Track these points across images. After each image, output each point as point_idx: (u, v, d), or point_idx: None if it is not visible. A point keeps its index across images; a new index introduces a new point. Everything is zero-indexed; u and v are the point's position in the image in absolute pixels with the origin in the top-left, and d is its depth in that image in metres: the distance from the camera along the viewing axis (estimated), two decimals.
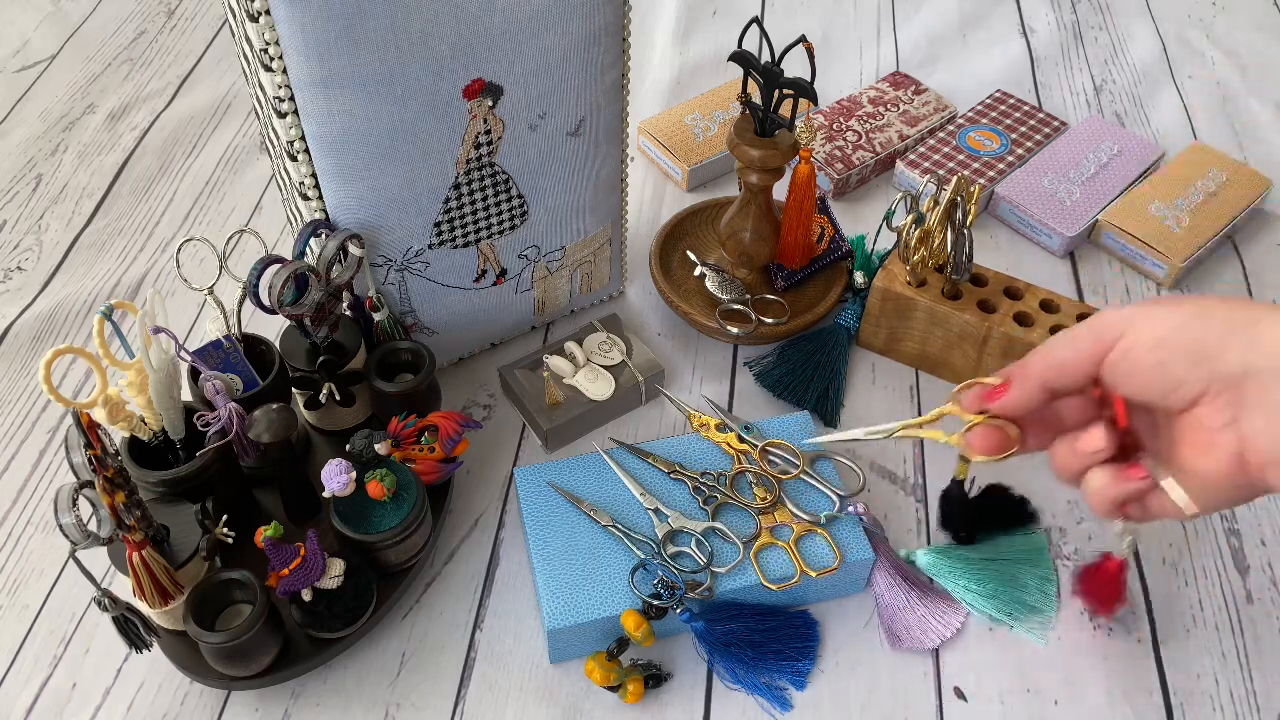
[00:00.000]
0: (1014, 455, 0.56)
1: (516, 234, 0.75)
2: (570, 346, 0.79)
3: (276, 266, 0.65)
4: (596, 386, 0.77)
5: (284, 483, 0.67)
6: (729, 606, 0.65)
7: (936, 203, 0.74)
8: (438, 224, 0.71)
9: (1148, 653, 0.66)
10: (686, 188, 0.98)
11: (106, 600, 0.57)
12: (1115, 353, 0.49)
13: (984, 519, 0.69)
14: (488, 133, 0.67)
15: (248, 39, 0.64)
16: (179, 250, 0.69)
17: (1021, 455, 0.57)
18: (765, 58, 0.72)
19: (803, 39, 0.69)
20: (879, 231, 0.82)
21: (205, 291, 0.69)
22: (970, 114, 1.01)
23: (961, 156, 0.97)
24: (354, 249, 0.67)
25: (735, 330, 0.80)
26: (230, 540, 0.62)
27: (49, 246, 0.94)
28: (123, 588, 0.62)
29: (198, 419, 0.63)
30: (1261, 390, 0.45)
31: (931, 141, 0.98)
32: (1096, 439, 0.53)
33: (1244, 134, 1.04)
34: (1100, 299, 0.88)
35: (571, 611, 0.63)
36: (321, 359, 0.69)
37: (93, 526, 0.55)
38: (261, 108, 0.69)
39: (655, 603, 0.63)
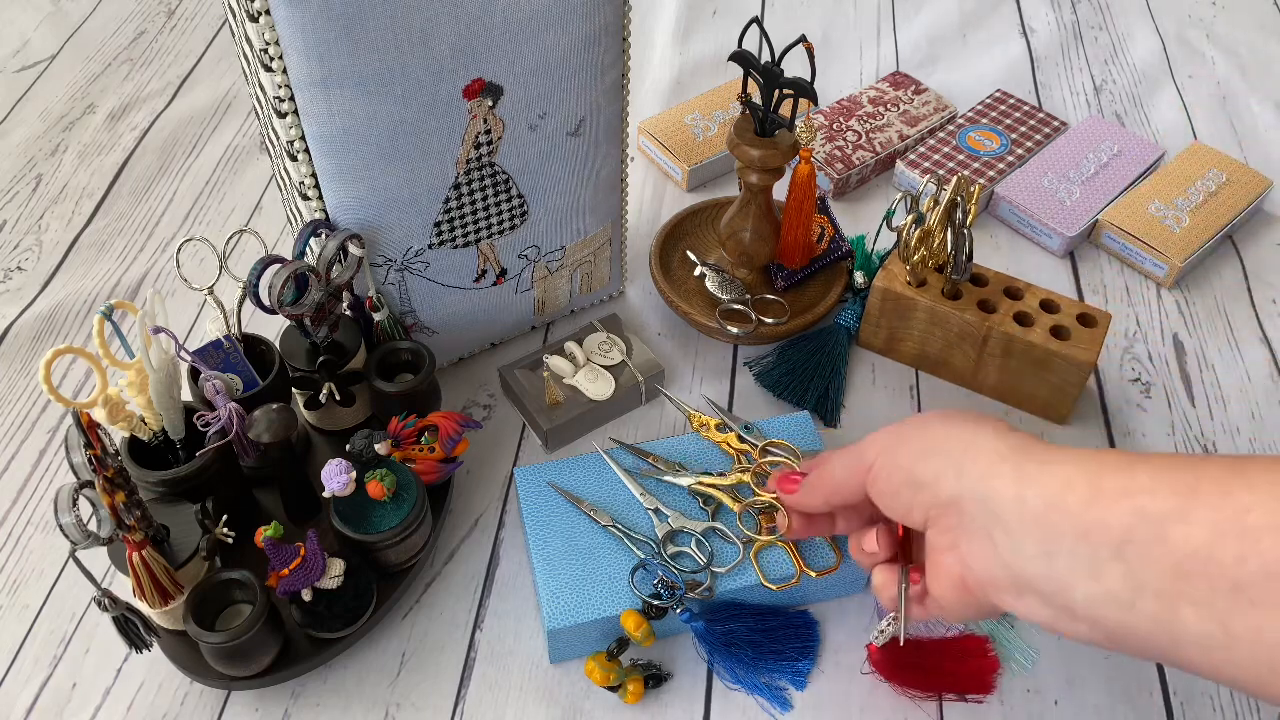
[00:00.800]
0: (819, 535, 0.64)
1: (516, 234, 0.75)
2: (570, 346, 0.79)
3: (276, 266, 0.65)
4: (596, 386, 0.77)
5: (284, 483, 0.67)
6: (729, 606, 0.65)
7: (936, 203, 0.74)
8: (438, 224, 0.71)
9: None
10: (686, 188, 0.98)
11: (106, 600, 0.57)
12: (869, 476, 0.53)
13: None
14: (488, 133, 0.67)
15: (248, 39, 0.64)
16: (179, 250, 0.69)
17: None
18: (765, 58, 0.72)
19: (803, 39, 0.69)
20: (879, 231, 0.82)
21: (205, 291, 0.69)
22: (970, 114, 1.01)
23: (961, 156, 0.97)
24: (354, 249, 0.67)
25: (735, 330, 0.80)
26: (230, 540, 0.62)
27: (49, 246, 0.94)
28: (123, 588, 0.62)
29: (198, 419, 0.63)
30: (968, 518, 0.48)
31: (931, 141, 0.98)
32: (870, 543, 0.57)
33: (1244, 134, 1.04)
34: (1100, 299, 0.88)
35: (571, 611, 0.63)
36: (321, 359, 0.69)
37: (93, 526, 0.55)
38: (261, 108, 0.69)
39: (655, 603, 0.63)
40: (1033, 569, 0.45)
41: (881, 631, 0.60)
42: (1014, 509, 0.46)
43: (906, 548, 0.57)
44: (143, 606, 0.60)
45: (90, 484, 0.55)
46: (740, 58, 0.73)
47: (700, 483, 0.69)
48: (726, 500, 0.68)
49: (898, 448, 0.52)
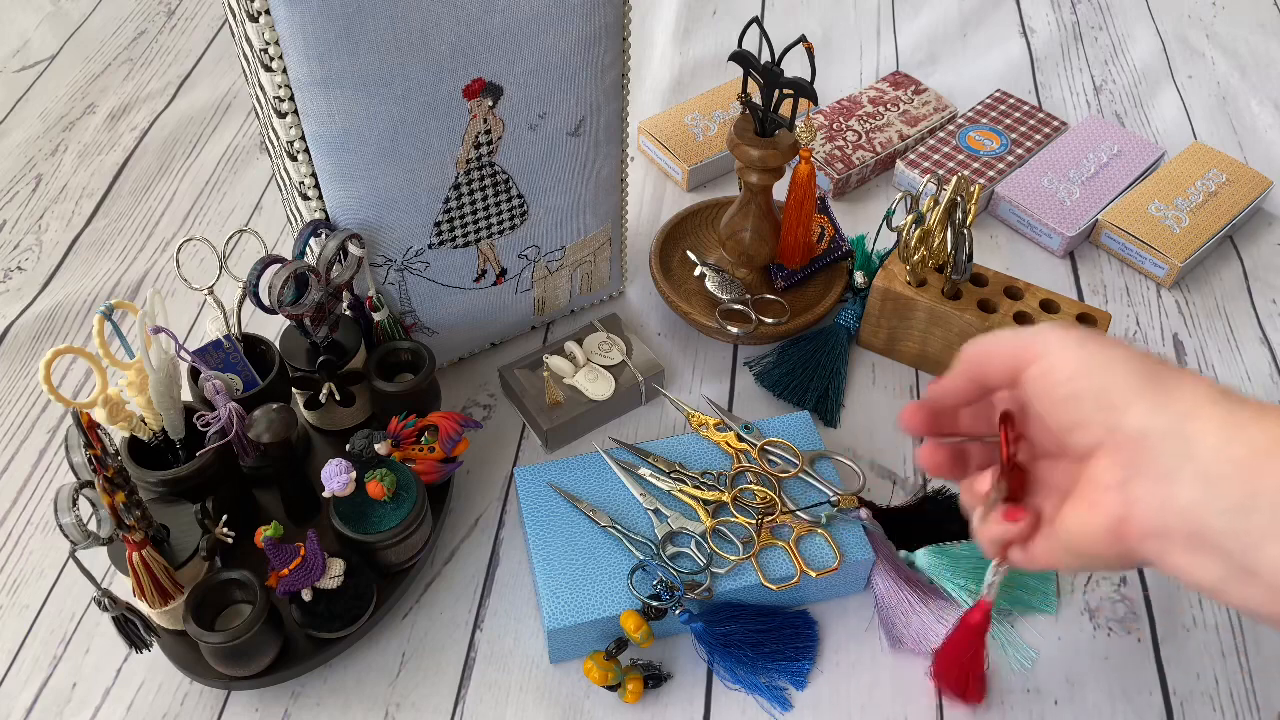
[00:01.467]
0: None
1: (516, 234, 0.75)
2: (570, 346, 0.79)
3: (276, 266, 0.65)
4: (596, 386, 0.77)
5: (284, 483, 0.67)
6: (729, 607, 0.65)
7: (936, 203, 0.74)
8: (438, 224, 0.71)
9: (1148, 653, 0.66)
10: (686, 188, 0.98)
11: (106, 600, 0.57)
12: (1034, 369, 0.48)
13: (916, 532, 0.69)
14: (488, 132, 0.67)
15: (248, 39, 0.64)
16: (179, 250, 0.69)
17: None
18: (765, 58, 0.72)
19: (803, 39, 0.69)
20: (879, 231, 0.82)
21: (205, 291, 0.69)
22: (970, 114, 1.01)
23: (961, 156, 0.97)
24: (354, 249, 0.67)
25: (735, 330, 0.80)
26: (230, 540, 0.62)
27: (49, 246, 0.94)
28: (123, 588, 0.62)
29: (198, 419, 0.63)
30: (1154, 456, 0.44)
31: (931, 141, 0.98)
32: (984, 482, 0.53)
33: (1244, 134, 1.04)
34: (1100, 299, 0.88)
35: (571, 611, 0.63)
36: (321, 359, 0.69)
37: (93, 526, 0.55)
38: (261, 108, 0.69)
39: (654, 604, 0.63)
40: (1221, 523, 0.42)
41: (990, 585, 0.56)
42: (1215, 455, 0.42)
43: (1026, 481, 0.52)
44: (143, 606, 0.60)
45: (90, 484, 0.55)
46: (740, 58, 0.73)
47: (683, 490, 0.69)
48: (701, 513, 0.68)
49: (1083, 347, 0.47)
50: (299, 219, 0.73)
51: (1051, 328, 0.48)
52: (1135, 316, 0.87)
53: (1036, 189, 0.93)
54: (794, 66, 0.71)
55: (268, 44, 0.59)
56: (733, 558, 0.66)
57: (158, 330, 0.61)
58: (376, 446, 0.64)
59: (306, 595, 0.61)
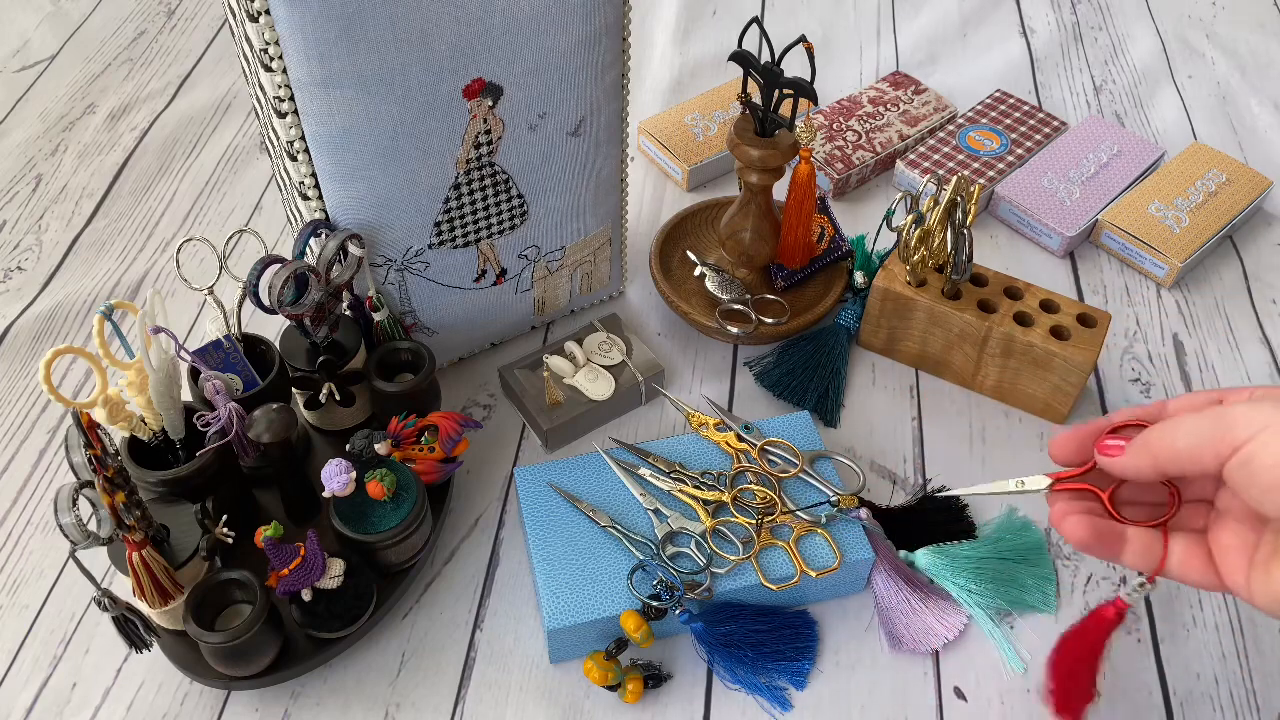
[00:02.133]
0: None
1: (516, 234, 0.75)
2: (570, 346, 0.79)
3: (276, 266, 0.65)
4: (596, 386, 0.77)
5: (284, 483, 0.67)
6: (729, 607, 0.65)
7: (936, 203, 0.74)
8: (438, 224, 0.71)
9: (1148, 653, 0.66)
10: (686, 188, 0.98)
11: (106, 600, 0.57)
12: (1237, 459, 0.46)
13: (916, 532, 0.69)
14: (488, 132, 0.67)
15: (248, 39, 0.64)
16: (179, 250, 0.69)
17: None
18: (765, 58, 0.72)
19: (803, 39, 0.69)
20: (879, 231, 0.82)
21: (205, 291, 0.69)
22: (970, 114, 1.01)
23: (961, 156, 0.97)
24: (354, 249, 0.67)
25: (735, 330, 0.80)
26: (230, 540, 0.62)
27: (49, 246, 0.94)
28: (123, 588, 0.62)
29: (198, 419, 0.63)
30: None
31: (931, 141, 0.98)
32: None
33: (1244, 134, 1.04)
34: (1100, 299, 0.88)
35: (571, 611, 0.63)
36: (321, 359, 0.69)
37: (93, 526, 0.55)
38: (261, 108, 0.69)
39: (654, 604, 0.63)
40: None
41: (1141, 586, 0.54)
42: None
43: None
44: (143, 606, 0.60)
45: (90, 484, 0.55)
46: (740, 58, 0.73)
47: (683, 490, 0.69)
48: (701, 513, 0.68)
49: None
50: (299, 219, 0.73)
51: (1251, 414, 0.46)
52: (1135, 316, 0.87)
53: (1036, 189, 0.93)
54: (794, 66, 0.71)
55: (268, 44, 0.59)
56: (733, 558, 0.66)
57: (158, 330, 0.61)
58: (376, 446, 0.64)
59: (306, 595, 0.61)
